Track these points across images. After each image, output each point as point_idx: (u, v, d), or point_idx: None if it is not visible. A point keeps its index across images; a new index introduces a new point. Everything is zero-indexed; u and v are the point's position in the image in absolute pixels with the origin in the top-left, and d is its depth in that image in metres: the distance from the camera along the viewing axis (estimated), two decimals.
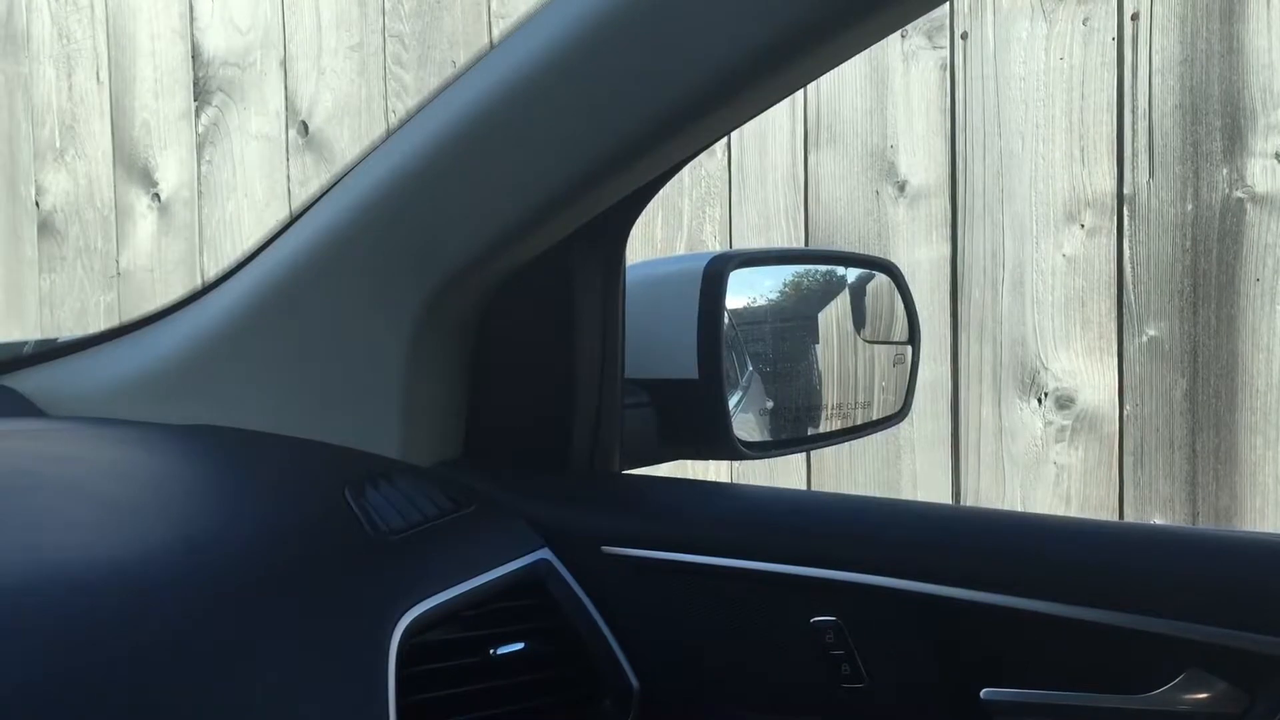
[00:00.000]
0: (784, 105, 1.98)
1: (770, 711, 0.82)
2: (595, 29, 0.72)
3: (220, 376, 0.90)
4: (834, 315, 1.06)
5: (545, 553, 0.83)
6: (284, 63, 2.51)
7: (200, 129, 2.62)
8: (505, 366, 0.90)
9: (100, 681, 0.60)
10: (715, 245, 2.09)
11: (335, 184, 0.86)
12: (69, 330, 2.80)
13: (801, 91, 1.98)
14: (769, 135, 2.04)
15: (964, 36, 1.89)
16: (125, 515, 0.73)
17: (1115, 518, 1.80)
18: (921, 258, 1.92)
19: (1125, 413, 1.80)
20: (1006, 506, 1.86)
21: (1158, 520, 1.77)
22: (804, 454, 1.99)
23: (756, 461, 1.98)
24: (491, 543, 0.82)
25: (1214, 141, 1.74)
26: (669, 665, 0.83)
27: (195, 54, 2.63)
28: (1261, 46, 1.70)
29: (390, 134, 0.83)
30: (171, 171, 2.67)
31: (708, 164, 2.08)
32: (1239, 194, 1.72)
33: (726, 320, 0.93)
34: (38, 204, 2.86)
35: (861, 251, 1.91)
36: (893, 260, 1.12)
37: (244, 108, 2.57)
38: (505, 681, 0.80)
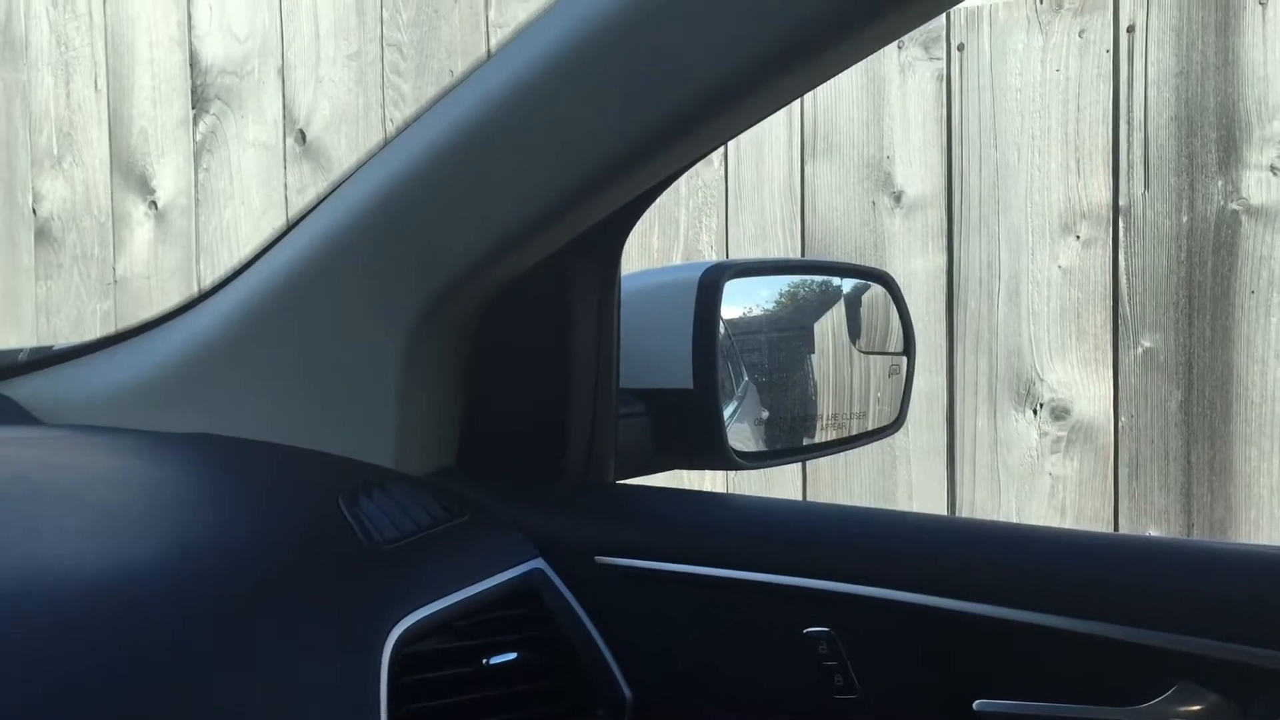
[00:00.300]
0: (780, 116, 1.98)
1: None
2: (591, 39, 0.72)
3: (216, 384, 0.90)
4: (829, 325, 1.06)
5: (539, 562, 0.83)
6: (282, 71, 2.51)
7: (198, 137, 2.63)
8: (500, 375, 0.90)
9: (98, 686, 0.60)
10: (712, 255, 2.09)
11: (331, 192, 0.86)
12: (65, 337, 2.80)
13: (798, 102, 1.98)
14: (766, 145, 2.04)
15: (960, 48, 1.89)
16: (121, 522, 0.73)
17: (1110, 529, 1.80)
18: (917, 268, 1.92)
19: (1120, 424, 1.80)
20: (1001, 517, 1.86)
21: (1153, 532, 1.77)
22: (799, 464, 1.99)
23: (751, 471, 1.99)
24: (485, 552, 0.82)
25: (1209, 154, 1.74)
26: (662, 675, 0.83)
27: (193, 62, 2.63)
28: (1256, 59, 1.71)
29: (387, 142, 0.83)
30: (169, 179, 2.67)
31: (704, 174, 2.09)
32: (1234, 206, 1.72)
33: (722, 330, 0.93)
34: (35, 211, 2.86)
35: (857, 262, 1.91)
36: (888, 271, 1.12)
37: (241, 116, 2.57)
38: (498, 691, 0.80)
